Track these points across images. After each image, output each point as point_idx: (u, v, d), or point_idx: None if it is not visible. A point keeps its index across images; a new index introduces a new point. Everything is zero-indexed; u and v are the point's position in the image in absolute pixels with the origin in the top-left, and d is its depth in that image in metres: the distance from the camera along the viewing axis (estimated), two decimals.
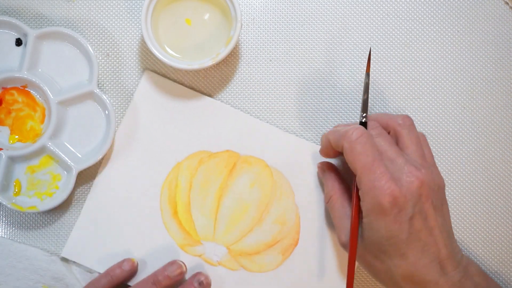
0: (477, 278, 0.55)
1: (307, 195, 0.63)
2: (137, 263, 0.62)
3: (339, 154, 0.59)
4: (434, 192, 0.54)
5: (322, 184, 0.63)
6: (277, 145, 0.64)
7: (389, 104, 0.65)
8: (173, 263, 0.61)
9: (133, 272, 0.62)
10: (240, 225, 0.63)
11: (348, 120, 0.65)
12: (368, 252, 0.55)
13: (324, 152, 0.60)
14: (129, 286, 0.62)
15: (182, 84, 0.64)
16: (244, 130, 0.64)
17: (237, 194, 0.63)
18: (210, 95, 0.65)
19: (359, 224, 0.55)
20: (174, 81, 0.64)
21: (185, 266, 0.61)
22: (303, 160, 0.64)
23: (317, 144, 0.64)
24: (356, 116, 0.65)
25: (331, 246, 0.63)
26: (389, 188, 0.51)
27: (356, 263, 0.60)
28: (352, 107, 0.65)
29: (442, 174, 0.64)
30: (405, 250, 0.53)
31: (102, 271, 0.62)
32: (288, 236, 0.63)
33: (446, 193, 0.65)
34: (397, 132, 0.57)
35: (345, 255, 0.63)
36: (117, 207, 0.63)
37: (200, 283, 0.60)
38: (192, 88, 0.65)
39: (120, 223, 0.63)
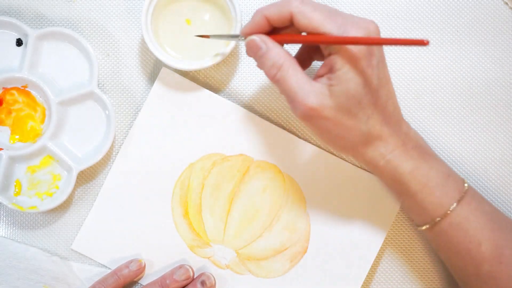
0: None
1: (319, 204, 0.63)
2: (145, 264, 0.62)
3: (271, 30, 0.54)
4: None
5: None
6: (292, 152, 0.63)
7: None
8: (181, 267, 0.61)
9: (140, 272, 0.62)
10: (250, 230, 0.63)
11: None
12: (339, 110, 0.51)
13: (254, 28, 0.53)
14: (137, 284, 0.63)
15: (198, 83, 0.64)
16: (259, 134, 0.63)
17: (248, 198, 0.63)
18: None
19: (325, 82, 0.51)
20: (191, 79, 0.64)
21: (193, 270, 0.62)
22: (317, 168, 0.63)
23: (331, 153, 0.64)
24: None
25: (341, 257, 0.63)
26: (364, 27, 0.50)
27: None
28: None
29: None
30: (376, 98, 0.52)
31: (110, 266, 0.63)
32: (298, 243, 0.63)
33: None
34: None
35: (354, 266, 0.62)
36: (129, 204, 0.63)
37: (203, 283, 0.60)
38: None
39: (131, 220, 0.63)
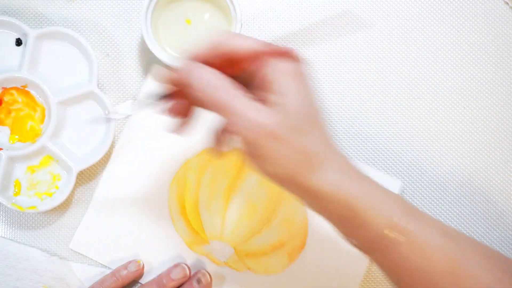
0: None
1: None
2: (143, 265, 0.62)
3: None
4: None
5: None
6: None
7: (389, 104, 0.65)
8: (177, 266, 0.61)
9: (139, 273, 0.62)
10: (248, 226, 0.63)
11: (348, 122, 0.65)
12: (291, 128, 0.45)
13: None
14: (137, 285, 0.63)
15: None
16: None
17: (245, 194, 0.63)
18: None
19: (270, 100, 0.46)
20: None
21: (189, 268, 0.62)
22: None
23: None
24: (355, 117, 0.65)
25: (339, 250, 0.62)
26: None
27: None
28: (352, 106, 0.65)
29: (442, 174, 0.65)
30: (316, 113, 0.47)
31: (109, 265, 0.63)
32: (296, 238, 0.63)
33: (446, 193, 0.65)
34: None
35: (352, 260, 0.62)
36: (126, 202, 0.63)
37: (198, 281, 0.61)
38: None
39: (128, 218, 0.63)
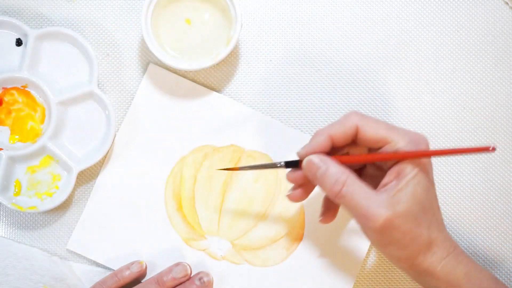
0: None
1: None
2: (146, 266, 0.62)
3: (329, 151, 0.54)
4: None
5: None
6: (282, 140, 0.64)
7: (389, 104, 0.65)
8: (178, 264, 0.61)
9: (141, 274, 0.62)
10: (245, 220, 0.63)
11: None
12: (408, 218, 0.50)
13: (315, 149, 0.53)
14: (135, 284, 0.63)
15: (186, 78, 0.64)
16: (248, 124, 0.64)
17: (241, 189, 0.63)
18: None
19: (391, 189, 0.51)
20: (191, 79, 0.65)
21: (190, 268, 0.62)
22: None
23: None
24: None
25: (336, 242, 0.63)
26: (424, 140, 0.52)
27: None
28: (352, 107, 0.65)
29: (442, 175, 0.65)
30: (433, 203, 0.52)
31: (107, 264, 0.63)
32: (293, 231, 0.63)
33: (446, 193, 0.65)
34: None
35: (350, 251, 0.63)
36: (122, 200, 0.63)
37: (200, 280, 0.61)
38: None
39: (125, 216, 0.63)
